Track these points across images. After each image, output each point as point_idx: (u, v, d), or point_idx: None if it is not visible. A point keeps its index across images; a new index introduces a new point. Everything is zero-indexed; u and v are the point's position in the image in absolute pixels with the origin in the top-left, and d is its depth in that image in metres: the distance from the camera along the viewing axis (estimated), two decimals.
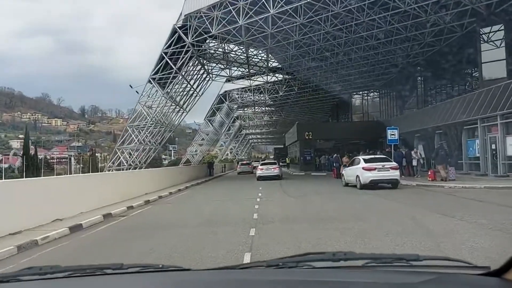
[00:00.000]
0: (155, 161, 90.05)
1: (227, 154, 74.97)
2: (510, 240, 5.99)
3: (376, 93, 44.91)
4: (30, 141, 78.39)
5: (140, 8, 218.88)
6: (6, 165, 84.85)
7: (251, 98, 49.95)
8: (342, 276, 1.44)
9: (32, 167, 65.11)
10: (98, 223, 9.59)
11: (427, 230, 6.83)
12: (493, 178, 16.96)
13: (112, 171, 30.67)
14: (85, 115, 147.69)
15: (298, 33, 26.12)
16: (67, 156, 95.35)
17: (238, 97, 51.67)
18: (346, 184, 17.06)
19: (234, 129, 69.62)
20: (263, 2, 22.37)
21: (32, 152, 72.00)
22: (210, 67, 35.40)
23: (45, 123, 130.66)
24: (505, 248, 5.22)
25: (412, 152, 19.97)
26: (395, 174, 14.96)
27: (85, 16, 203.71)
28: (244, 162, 48.50)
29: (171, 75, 29.39)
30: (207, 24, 25.60)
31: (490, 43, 23.91)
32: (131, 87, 31.44)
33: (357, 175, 15.35)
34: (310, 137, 34.65)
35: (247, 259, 5.29)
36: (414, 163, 19.59)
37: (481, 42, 22.36)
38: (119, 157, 32.45)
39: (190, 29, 27.00)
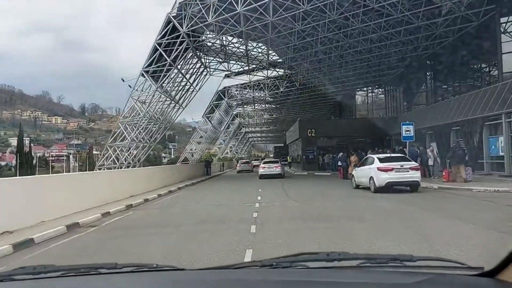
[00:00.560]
0: (155, 159, 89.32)
1: (227, 153, 73.55)
2: (503, 241, 5.38)
3: (381, 89, 43.05)
4: (24, 138, 77.08)
5: (141, 5, 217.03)
6: (4, 163, 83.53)
7: (250, 95, 48.27)
8: (336, 276, 1.44)
9: (26, 165, 63.79)
10: (58, 237, 7.72)
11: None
12: None
13: (105, 169, 28.99)
14: (85, 113, 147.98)
15: (301, 22, 24.29)
16: (66, 154, 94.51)
17: (238, 94, 49.98)
18: (357, 186, 15.15)
19: (234, 127, 68.13)
20: None
21: (27, 149, 70.03)
22: (207, 61, 33.47)
23: (45, 121, 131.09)
24: None
25: (428, 151, 18.01)
26: (416, 175, 13.00)
27: (85, 14, 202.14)
28: (244, 160, 47.87)
29: (166, 68, 27.52)
30: (203, 13, 23.74)
31: (507, 34, 22.15)
32: (123, 80, 29.64)
33: (370, 177, 13.41)
34: (313, 134, 32.76)
35: None
36: (430, 162, 17.63)
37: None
38: (111, 155, 30.59)
39: (185, 19, 25.14)
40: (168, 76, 28.98)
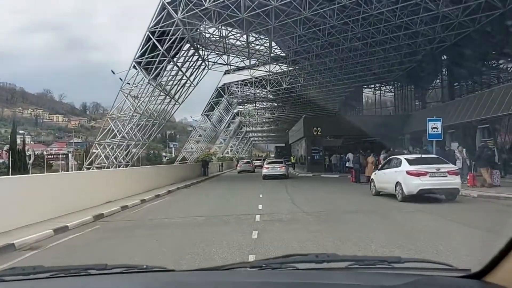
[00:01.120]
0: (155, 159, 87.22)
1: (227, 152, 71.30)
2: (489, 243, 4.01)
3: (390, 87, 40.66)
4: (23, 136, 75.42)
5: (142, 3, 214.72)
6: (1, 161, 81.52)
7: (251, 92, 45.94)
8: (325, 278, 1.43)
9: (20, 162, 61.91)
10: None
11: None
12: None
13: (94, 169, 26.73)
14: (86, 112, 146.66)
15: (307, 9, 21.96)
16: (66, 152, 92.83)
17: (238, 91, 47.67)
18: (377, 193, 12.77)
19: (234, 126, 65.90)
20: None
21: (19, 147, 67.82)
22: (206, 53, 31.07)
23: (46, 119, 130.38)
24: None
25: (456, 151, 15.61)
26: (456, 181, 10.58)
27: (88, 12, 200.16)
28: (245, 160, 45.68)
29: (159, 59, 25.18)
30: None
31: None
32: (113, 72, 27.26)
33: (397, 182, 11.02)
34: (319, 133, 30.37)
35: None
36: (458, 164, 15.22)
37: None
38: (100, 154, 28.28)
39: (180, 5, 22.80)
40: (163, 69, 26.65)
